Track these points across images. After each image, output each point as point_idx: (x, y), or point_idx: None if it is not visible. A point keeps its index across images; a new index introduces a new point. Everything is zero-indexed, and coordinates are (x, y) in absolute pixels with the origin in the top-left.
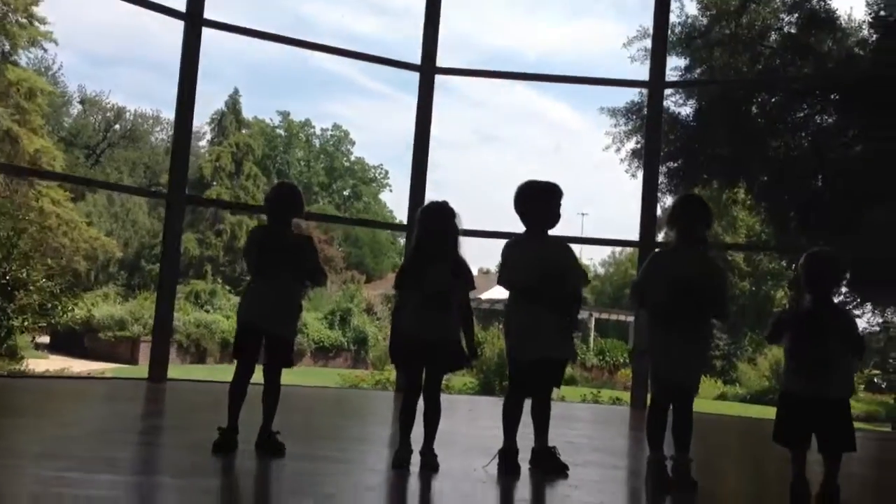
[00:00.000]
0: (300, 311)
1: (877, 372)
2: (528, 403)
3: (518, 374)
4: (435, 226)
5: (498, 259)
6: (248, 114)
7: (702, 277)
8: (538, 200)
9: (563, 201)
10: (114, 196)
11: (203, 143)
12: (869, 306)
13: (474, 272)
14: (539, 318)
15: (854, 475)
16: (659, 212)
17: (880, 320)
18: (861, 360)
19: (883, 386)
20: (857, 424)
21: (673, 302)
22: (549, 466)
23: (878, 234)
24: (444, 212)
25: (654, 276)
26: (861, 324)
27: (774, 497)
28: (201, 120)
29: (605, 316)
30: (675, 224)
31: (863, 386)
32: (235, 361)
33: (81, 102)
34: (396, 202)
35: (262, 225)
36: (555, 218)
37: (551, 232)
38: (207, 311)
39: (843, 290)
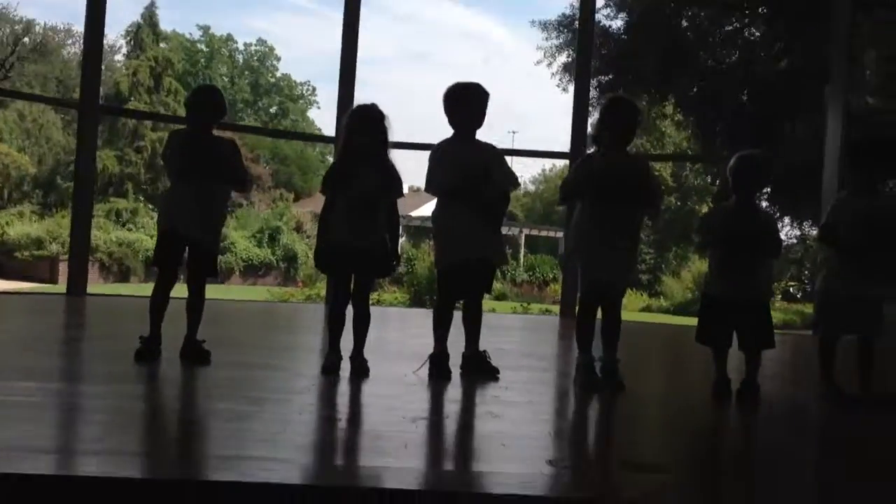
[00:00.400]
0: (224, 219)
1: (793, 283)
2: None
3: (442, 278)
4: (363, 127)
5: None
6: (165, 27)
7: (631, 171)
8: (462, 101)
9: (493, 109)
10: (25, 111)
11: (119, 56)
12: (787, 219)
13: (405, 190)
14: (462, 219)
15: (775, 375)
16: (590, 128)
17: (798, 233)
18: (777, 259)
19: (798, 296)
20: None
21: (603, 186)
22: (480, 370)
23: (797, 147)
24: (372, 113)
25: (583, 172)
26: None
27: (698, 394)
28: (116, 32)
29: (534, 232)
30: (604, 126)
31: (779, 296)
32: (157, 271)
33: None
34: (324, 121)
35: (183, 128)
36: (480, 118)
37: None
38: (130, 230)
39: (764, 203)
